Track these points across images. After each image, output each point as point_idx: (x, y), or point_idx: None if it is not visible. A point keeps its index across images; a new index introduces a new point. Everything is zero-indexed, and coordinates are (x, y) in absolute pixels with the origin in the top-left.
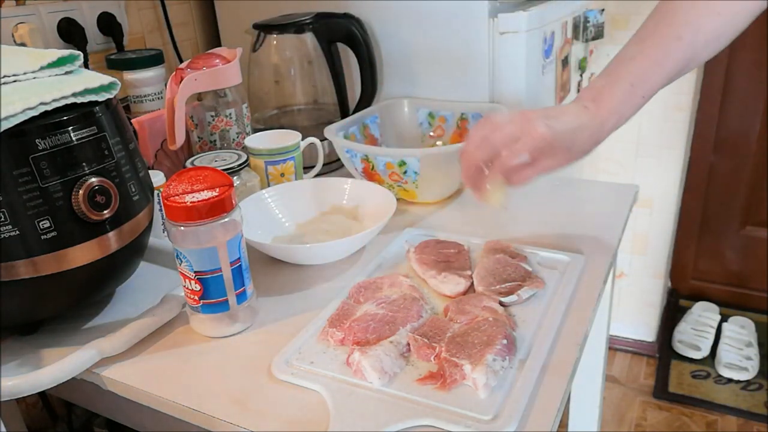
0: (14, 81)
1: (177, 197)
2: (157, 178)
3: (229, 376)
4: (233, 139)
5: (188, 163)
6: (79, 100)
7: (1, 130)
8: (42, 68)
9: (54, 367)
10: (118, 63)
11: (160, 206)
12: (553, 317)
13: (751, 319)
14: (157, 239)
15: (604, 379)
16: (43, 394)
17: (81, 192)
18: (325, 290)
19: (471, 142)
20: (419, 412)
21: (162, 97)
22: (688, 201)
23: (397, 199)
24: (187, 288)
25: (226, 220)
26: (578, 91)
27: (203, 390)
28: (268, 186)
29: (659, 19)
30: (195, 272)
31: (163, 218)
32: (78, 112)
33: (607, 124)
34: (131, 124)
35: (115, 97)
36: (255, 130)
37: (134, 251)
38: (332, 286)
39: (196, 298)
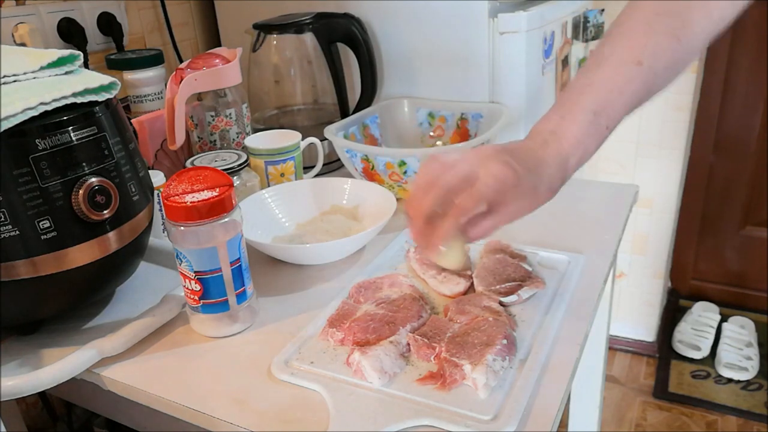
0: (14, 81)
1: (177, 197)
2: (157, 178)
3: (229, 376)
4: (233, 139)
5: (188, 163)
6: (79, 100)
7: (1, 130)
8: (42, 68)
9: (54, 367)
10: (118, 63)
11: (160, 206)
12: (553, 317)
13: (751, 319)
14: (157, 239)
15: (604, 379)
16: (43, 394)
17: (81, 192)
18: (325, 290)
19: (418, 188)
20: (419, 412)
21: (162, 97)
22: (688, 201)
23: (397, 199)
24: (187, 288)
25: (226, 220)
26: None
27: (203, 390)
28: (268, 186)
29: (615, 44)
30: (195, 272)
31: (163, 218)
32: (78, 112)
33: (572, 159)
34: (131, 124)
35: (115, 97)
36: (255, 130)
37: (134, 251)
38: (332, 286)
39: (196, 298)
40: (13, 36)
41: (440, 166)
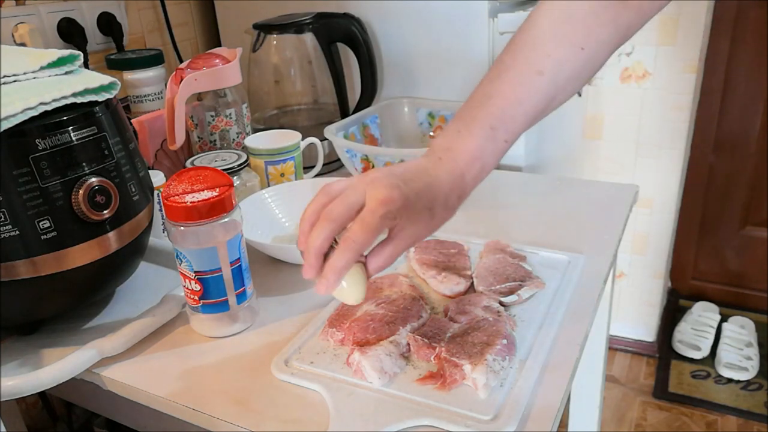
0: (14, 81)
1: (177, 197)
2: (157, 178)
3: (229, 376)
4: (233, 139)
5: (188, 163)
6: (79, 100)
7: (1, 130)
8: (42, 68)
9: (54, 367)
10: (118, 63)
11: (160, 206)
12: (553, 317)
13: (751, 319)
14: (157, 239)
15: (604, 379)
16: (43, 394)
17: (81, 192)
18: None
19: (305, 221)
20: (419, 412)
21: (162, 97)
22: (688, 201)
23: None
24: (187, 288)
25: (226, 220)
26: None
27: (203, 390)
28: (268, 186)
29: (517, 53)
30: (195, 272)
31: (163, 218)
32: (78, 112)
33: (468, 174)
34: (131, 124)
35: (115, 97)
36: (255, 130)
37: (134, 251)
38: None
39: (196, 298)
40: (13, 36)
41: (326, 197)
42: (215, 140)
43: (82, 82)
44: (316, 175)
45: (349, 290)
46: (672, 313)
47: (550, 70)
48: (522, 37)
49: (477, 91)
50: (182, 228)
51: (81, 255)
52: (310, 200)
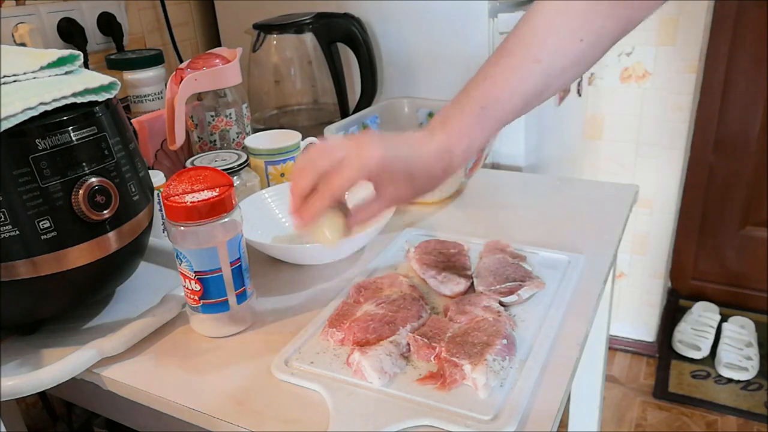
0: (14, 81)
1: (177, 197)
2: (157, 178)
3: (229, 376)
4: (233, 139)
5: (188, 163)
6: (79, 100)
7: (1, 130)
8: (42, 68)
9: (54, 367)
10: (118, 63)
11: (160, 206)
12: (553, 317)
13: (751, 319)
14: (157, 239)
15: (604, 379)
16: (43, 394)
17: (81, 192)
18: (325, 290)
19: (296, 170)
20: (419, 412)
21: (162, 97)
22: (688, 201)
23: None
24: (187, 288)
25: (226, 220)
26: (578, 89)
27: (203, 390)
28: (268, 186)
29: (517, 41)
30: (195, 272)
31: (163, 218)
32: (78, 112)
33: (456, 148)
34: (131, 124)
35: (115, 97)
36: (255, 130)
37: (134, 251)
38: (332, 286)
39: (196, 298)
40: (13, 36)
41: (318, 151)
42: (215, 140)
43: (82, 82)
44: None
45: (325, 232)
46: (672, 313)
47: (547, 59)
48: (524, 25)
49: (477, 74)
50: (182, 228)
51: (81, 255)
52: (305, 151)
